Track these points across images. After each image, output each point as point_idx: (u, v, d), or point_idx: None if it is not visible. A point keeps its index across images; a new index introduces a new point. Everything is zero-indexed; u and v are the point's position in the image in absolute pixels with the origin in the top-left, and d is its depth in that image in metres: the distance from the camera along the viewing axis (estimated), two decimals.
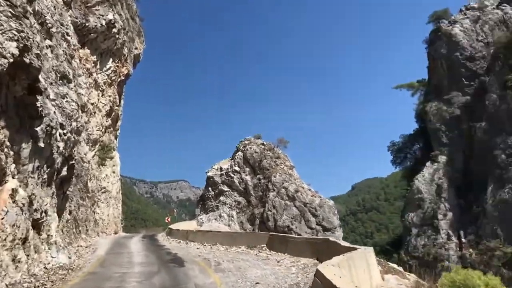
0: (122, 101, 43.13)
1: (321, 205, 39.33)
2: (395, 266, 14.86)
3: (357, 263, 9.16)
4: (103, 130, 31.42)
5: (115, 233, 35.92)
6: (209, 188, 45.18)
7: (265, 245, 17.56)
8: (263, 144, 46.16)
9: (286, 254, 14.96)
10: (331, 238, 14.46)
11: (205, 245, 21.97)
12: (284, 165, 43.44)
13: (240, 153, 45.33)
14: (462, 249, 41.07)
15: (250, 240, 18.97)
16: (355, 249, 10.72)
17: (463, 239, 42.24)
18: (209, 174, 45.62)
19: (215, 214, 41.74)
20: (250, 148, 45.14)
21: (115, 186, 38.87)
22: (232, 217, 41.30)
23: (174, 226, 32.71)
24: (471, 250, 40.26)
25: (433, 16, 53.58)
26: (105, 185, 35.83)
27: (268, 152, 44.97)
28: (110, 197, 37.07)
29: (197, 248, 20.92)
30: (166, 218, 55.17)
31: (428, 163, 52.49)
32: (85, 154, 25.95)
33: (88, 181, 26.72)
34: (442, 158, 49.37)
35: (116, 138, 42.72)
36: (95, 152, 29.32)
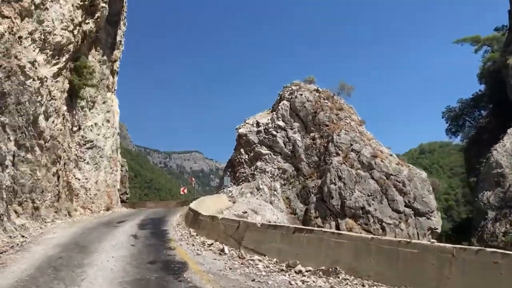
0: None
1: (411, 178, 26.59)
2: None
3: None
4: (76, 33, 18.48)
5: (107, 209, 24.16)
6: (241, 150, 32.66)
7: None
8: (317, 90, 33.21)
9: None
10: None
11: (312, 274, 7.16)
12: (350, 120, 30.59)
13: (285, 102, 32.47)
14: None
15: None
16: None
17: None
18: (241, 131, 33.05)
19: (250, 185, 29.38)
20: (301, 95, 32.16)
21: (109, 141, 26.86)
22: (275, 191, 28.96)
23: (197, 206, 17.97)
24: None
25: None
26: (92, 138, 23.81)
27: (326, 101, 32.00)
28: (101, 156, 25.11)
29: None
30: (182, 188, 43.85)
31: (509, 130, 38.83)
32: (31, 63, 13.72)
33: (41, 117, 14.59)
34: None
35: (114, 75, 30.40)
36: (60, 68, 16.73)
